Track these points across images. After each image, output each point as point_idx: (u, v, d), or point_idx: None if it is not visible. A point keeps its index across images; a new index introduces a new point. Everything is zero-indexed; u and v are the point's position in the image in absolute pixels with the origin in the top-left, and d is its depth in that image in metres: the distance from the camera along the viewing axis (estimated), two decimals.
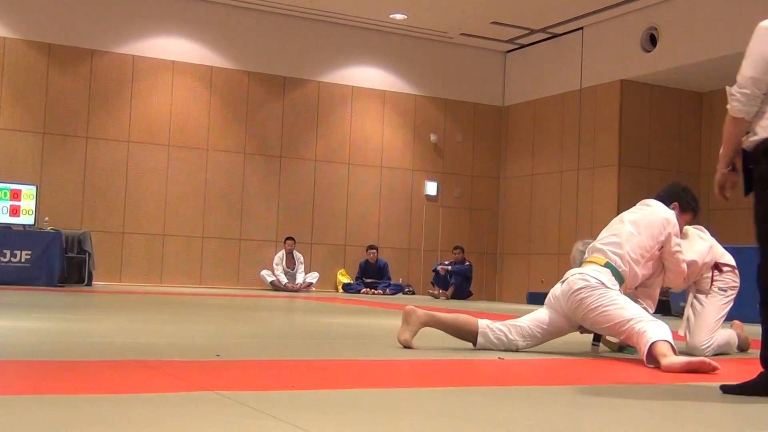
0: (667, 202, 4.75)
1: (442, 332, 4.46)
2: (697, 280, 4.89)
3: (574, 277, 4.38)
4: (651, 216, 4.56)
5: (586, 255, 4.61)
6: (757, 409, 2.90)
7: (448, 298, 14.23)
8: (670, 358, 3.82)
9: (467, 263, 14.94)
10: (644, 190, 14.62)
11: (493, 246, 16.99)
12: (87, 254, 12.48)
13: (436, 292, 14.61)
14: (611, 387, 3.44)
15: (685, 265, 4.62)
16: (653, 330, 3.99)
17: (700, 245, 4.86)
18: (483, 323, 4.40)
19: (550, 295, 4.52)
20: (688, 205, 4.84)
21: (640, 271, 4.48)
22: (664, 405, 2.94)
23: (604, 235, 4.59)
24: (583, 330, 4.51)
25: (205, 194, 14.67)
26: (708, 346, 4.73)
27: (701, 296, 4.87)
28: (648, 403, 3.00)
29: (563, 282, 4.45)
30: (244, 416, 2.29)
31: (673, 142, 14.97)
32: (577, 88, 15.35)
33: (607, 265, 4.38)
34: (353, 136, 15.83)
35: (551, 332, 4.48)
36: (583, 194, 15.03)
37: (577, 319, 4.37)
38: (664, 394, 3.22)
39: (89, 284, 12.44)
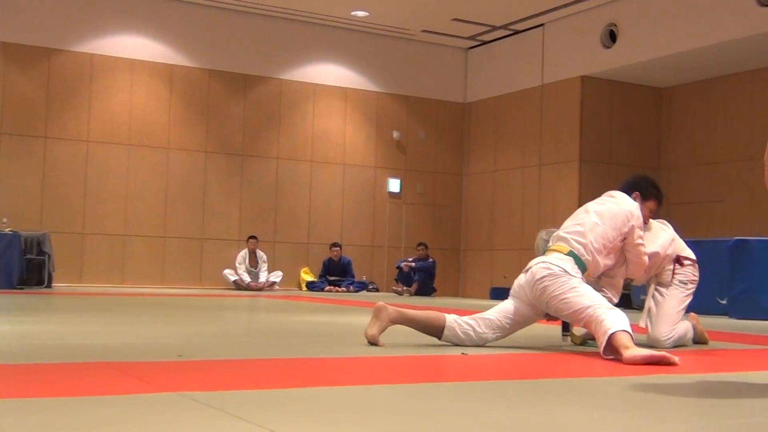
0: (629, 192, 4.83)
1: (408, 329, 4.46)
2: (658, 272, 4.94)
3: (537, 266, 4.42)
4: (616, 208, 4.61)
5: (550, 243, 4.64)
6: (724, 403, 2.93)
7: (411, 295, 14.26)
8: (631, 351, 3.85)
9: (431, 260, 14.98)
10: (605, 185, 14.69)
11: (456, 242, 17.04)
12: (46, 256, 12.33)
13: (399, 288, 14.63)
14: (573, 381, 3.46)
15: (646, 258, 4.67)
16: (612, 319, 4.01)
17: (662, 237, 4.92)
18: (451, 318, 4.41)
19: (515, 285, 4.54)
20: (649, 192, 4.91)
21: (603, 261, 4.53)
22: (632, 398, 2.96)
23: (569, 224, 4.64)
24: (549, 317, 4.54)
25: (166, 194, 14.56)
26: (669, 338, 4.78)
27: (662, 288, 4.92)
28: (614, 396, 3.02)
29: (526, 271, 4.49)
30: (208, 417, 2.27)
31: (633, 137, 15.12)
32: (538, 84, 15.45)
33: (570, 254, 4.43)
34: (315, 134, 15.80)
35: (518, 322, 4.51)
36: (545, 190, 15.13)
37: (541, 306, 4.42)
38: (630, 387, 3.24)
39: (49, 286, 12.29)
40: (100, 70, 14.20)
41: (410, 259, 15.02)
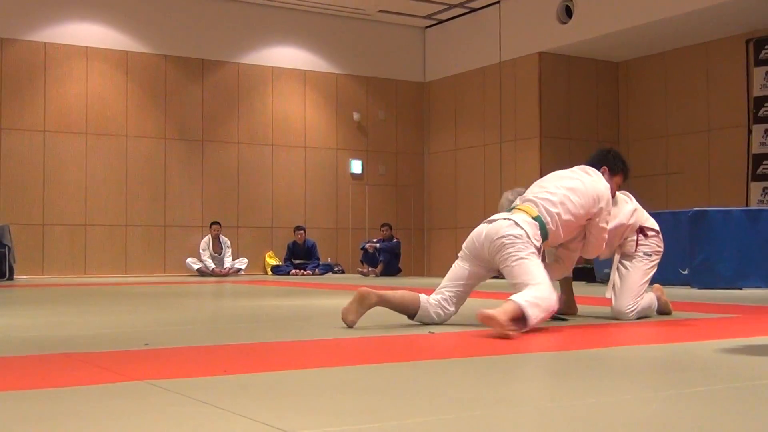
0: (597, 167, 4.85)
1: (378, 309, 4.46)
2: (621, 243, 4.98)
3: (503, 221, 4.40)
4: (589, 187, 4.60)
5: (517, 202, 4.64)
6: (674, 374, 2.98)
7: (377, 276, 14.28)
8: (490, 310, 3.87)
9: (395, 240, 15.00)
10: (565, 160, 14.81)
11: (420, 221, 17.09)
12: (6, 248, 12.18)
13: (365, 270, 14.65)
14: (533, 355, 3.50)
15: (604, 244, 4.73)
16: (520, 294, 4.08)
17: (625, 209, 4.97)
18: (424, 299, 4.47)
19: (471, 239, 4.51)
20: (617, 167, 4.96)
21: (564, 234, 4.55)
22: (588, 369, 3.01)
23: (538, 189, 4.62)
24: (499, 275, 4.53)
25: (126, 182, 14.42)
26: (632, 310, 4.84)
27: (626, 261, 4.96)
28: (570, 369, 3.06)
29: (491, 222, 4.48)
30: (176, 404, 2.27)
31: (591, 112, 15.22)
32: (496, 62, 15.48)
33: (537, 219, 4.42)
34: (275, 117, 15.72)
35: (473, 285, 4.56)
36: (507, 167, 15.21)
37: (494, 262, 4.41)
38: (589, 358, 3.29)
39: (10, 278, 12.15)
40: (54, 58, 14.00)
41: (375, 240, 15.03)
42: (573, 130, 15.01)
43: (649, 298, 5.00)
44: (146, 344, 3.69)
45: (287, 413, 2.14)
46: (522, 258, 4.25)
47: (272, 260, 15.36)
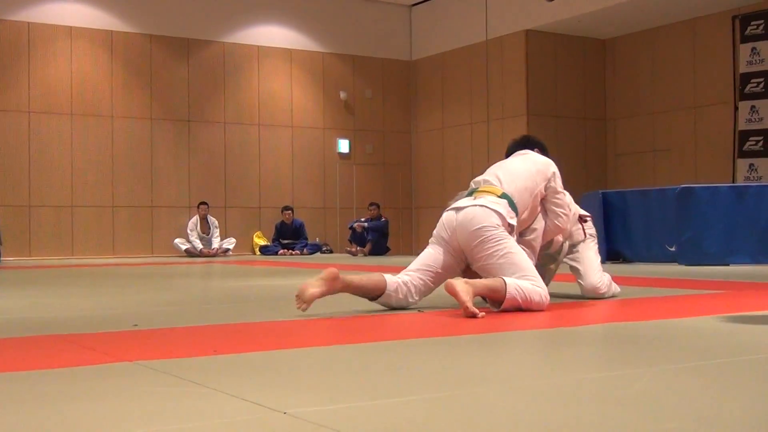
0: (530, 148, 4.78)
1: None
2: (569, 234, 4.87)
3: (475, 208, 4.19)
4: (535, 159, 4.55)
5: (472, 186, 4.46)
6: (631, 349, 3.00)
7: (365, 255, 14.29)
8: (474, 281, 3.84)
9: (383, 219, 15.00)
10: (552, 137, 14.87)
11: (408, 200, 17.09)
12: None
13: (353, 249, 14.65)
14: (515, 333, 3.52)
15: (569, 209, 4.61)
16: (520, 282, 3.98)
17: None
18: (390, 288, 4.15)
19: (439, 230, 4.32)
20: (545, 151, 4.84)
21: (527, 214, 4.41)
22: (556, 348, 3.02)
23: (491, 172, 4.48)
24: (467, 273, 4.28)
25: (112, 162, 14.36)
26: (604, 284, 4.80)
27: (576, 246, 4.90)
28: (545, 347, 3.07)
29: (458, 210, 4.26)
30: (167, 384, 2.27)
31: (578, 89, 15.23)
32: (482, 40, 15.45)
33: (504, 196, 4.26)
34: (262, 97, 15.66)
35: (442, 276, 4.24)
36: (494, 145, 15.20)
37: (469, 254, 4.19)
38: (555, 336, 3.30)
39: None
40: (37, 39, 13.88)
41: (363, 220, 15.02)
42: (560, 107, 15.01)
43: (608, 276, 4.97)
44: (135, 325, 3.69)
45: (278, 392, 2.14)
46: (508, 252, 4.07)
47: (260, 240, 15.35)
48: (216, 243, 14.58)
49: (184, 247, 14.39)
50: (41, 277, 8.29)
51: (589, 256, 4.86)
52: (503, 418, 1.86)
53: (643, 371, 2.43)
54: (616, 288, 4.93)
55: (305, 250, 14.92)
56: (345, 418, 1.86)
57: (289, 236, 15.17)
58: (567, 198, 4.64)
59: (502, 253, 4.08)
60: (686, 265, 9.04)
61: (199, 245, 14.43)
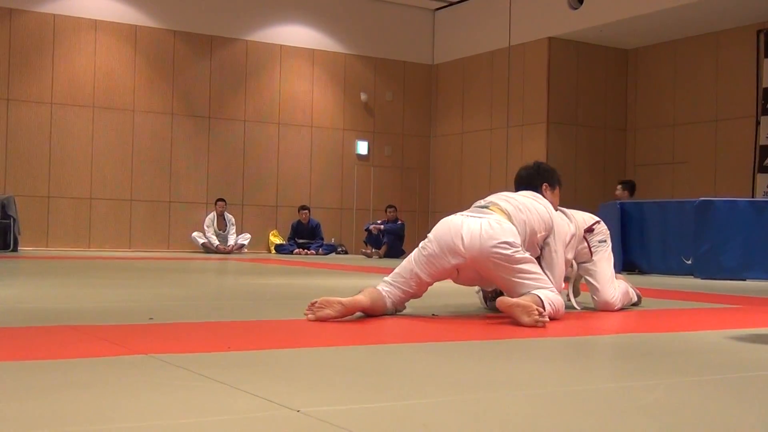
0: (539, 186, 4.62)
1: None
2: (576, 255, 4.77)
3: (493, 223, 4.04)
4: (544, 204, 4.40)
5: (482, 203, 4.36)
6: (646, 361, 2.99)
7: (381, 257, 14.30)
8: (507, 299, 3.78)
9: (400, 222, 15.00)
10: (572, 146, 14.85)
11: (425, 204, 17.09)
12: (12, 219, 12.21)
13: (368, 251, 14.65)
14: (530, 341, 3.51)
15: (563, 267, 4.42)
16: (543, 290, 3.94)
17: (565, 220, 4.69)
18: (388, 311, 4.05)
19: (440, 233, 4.14)
20: (554, 180, 4.69)
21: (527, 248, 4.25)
22: (571, 355, 3.01)
23: (499, 197, 4.38)
24: (491, 295, 4.17)
25: (132, 156, 14.43)
26: (617, 299, 4.73)
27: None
28: (558, 354, 3.06)
29: (471, 217, 4.13)
30: (181, 378, 2.28)
31: (599, 99, 15.18)
32: (505, 46, 15.43)
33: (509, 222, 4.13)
34: (283, 96, 15.69)
35: (421, 291, 4.13)
36: (513, 151, 15.18)
37: (484, 269, 4.01)
38: (572, 345, 3.29)
39: (15, 250, 12.19)
40: (62, 31, 13.97)
41: (379, 222, 15.03)
42: (580, 116, 14.97)
43: (623, 285, 4.89)
44: (151, 318, 3.71)
45: (291, 390, 2.15)
46: (522, 270, 3.97)
47: (276, 239, 15.38)
48: (232, 240, 14.61)
49: (201, 241, 14.43)
50: (58, 268, 8.33)
51: (602, 268, 4.72)
52: (517, 423, 1.86)
53: (658, 383, 2.42)
54: (633, 296, 4.88)
55: (320, 250, 14.94)
56: (359, 418, 1.86)
57: (304, 236, 15.19)
58: (559, 258, 4.37)
59: (520, 268, 3.97)
60: (702, 278, 8.99)
61: (215, 241, 14.46)
